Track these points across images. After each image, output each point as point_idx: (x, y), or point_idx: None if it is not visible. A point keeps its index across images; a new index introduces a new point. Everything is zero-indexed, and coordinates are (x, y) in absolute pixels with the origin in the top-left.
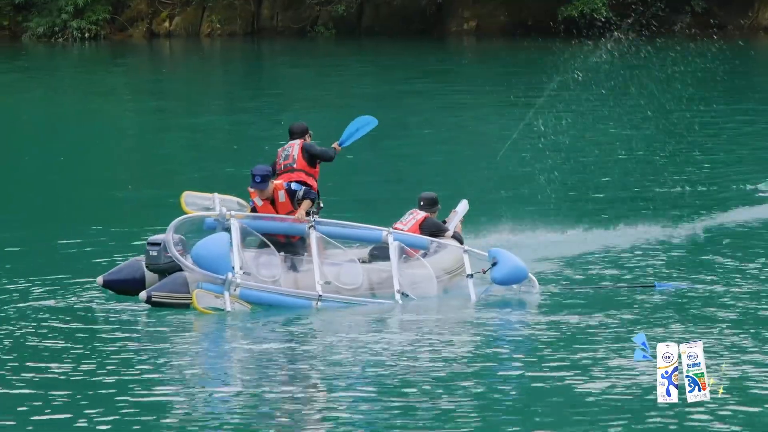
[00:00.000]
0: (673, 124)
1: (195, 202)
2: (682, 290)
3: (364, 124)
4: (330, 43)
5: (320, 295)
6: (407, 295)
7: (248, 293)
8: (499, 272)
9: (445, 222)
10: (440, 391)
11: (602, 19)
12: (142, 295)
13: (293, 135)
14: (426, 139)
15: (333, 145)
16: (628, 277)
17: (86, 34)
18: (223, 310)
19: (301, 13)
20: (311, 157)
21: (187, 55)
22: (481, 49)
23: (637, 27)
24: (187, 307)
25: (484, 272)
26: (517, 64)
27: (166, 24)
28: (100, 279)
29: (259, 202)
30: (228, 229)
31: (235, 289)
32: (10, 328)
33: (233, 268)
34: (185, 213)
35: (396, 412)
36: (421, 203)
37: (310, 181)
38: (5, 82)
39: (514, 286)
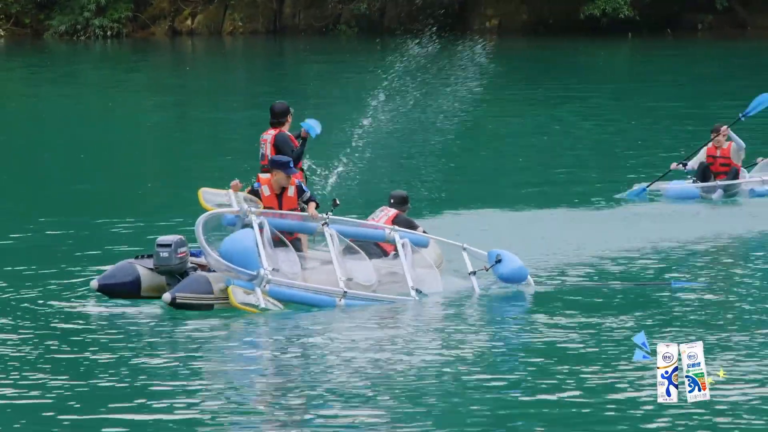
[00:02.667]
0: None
1: (212, 199)
2: (698, 288)
3: (311, 127)
4: (352, 41)
5: (345, 292)
6: (421, 292)
7: (276, 290)
8: (506, 268)
9: None
10: (446, 389)
11: (624, 17)
12: (167, 297)
13: (274, 116)
14: (445, 137)
15: (302, 132)
16: (642, 274)
17: (108, 32)
18: (257, 306)
19: (323, 12)
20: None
21: (209, 53)
22: (504, 46)
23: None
24: (210, 308)
25: (487, 269)
26: (538, 60)
27: (188, 22)
28: (94, 283)
29: (266, 192)
30: (248, 226)
31: (264, 286)
32: (15, 323)
33: (261, 264)
34: (204, 209)
35: (401, 413)
36: (392, 201)
37: (298, 176)
38: (28, 79)
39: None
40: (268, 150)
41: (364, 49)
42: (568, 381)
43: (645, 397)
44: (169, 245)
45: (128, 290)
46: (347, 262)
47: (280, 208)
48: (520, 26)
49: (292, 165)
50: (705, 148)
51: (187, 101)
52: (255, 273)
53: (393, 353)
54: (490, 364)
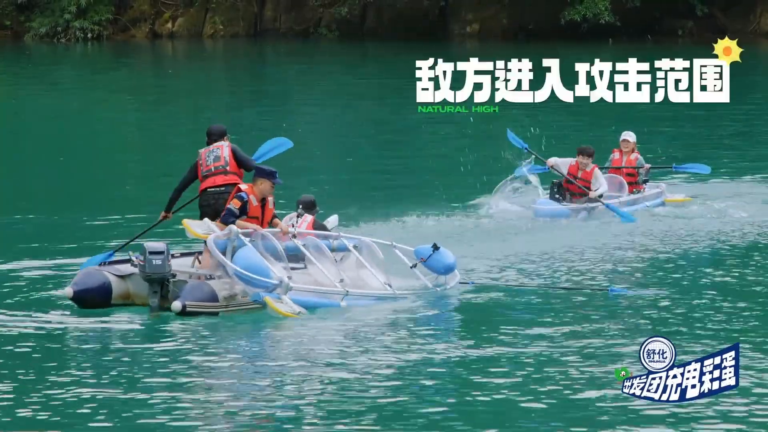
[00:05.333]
0: None
1: (196, 229)
2: (635, 296)
3: (278, 145)
4: (333, 45)
5: (347, 292)
6: (391, 286)
7: (292, 297)
8: (446, 259)
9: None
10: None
11: (604, 22)
12: (176, 305)
13: (212, 137)
14: (425, 142)
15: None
16: (580, 279)
17: (89, 35)
18: (296, 312)
19: (304, 15)
20: (239, 161)
21: (190, 56)
22: (484, 51)
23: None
24: (216, 315)
25: (424, 261)
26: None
27: (169, 25)
28: (69, 290)
29: (254, 201)
30: (237, 248)
31: (286, 293)
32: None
33: (276, 275)
34: (196, 236)
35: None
36: (300, 206)
37: (240, 182)
38: (7, 81)
39: (441, 278)
40: (226, 153)
41: (344, 52)
42: (504, 384)
43: (582, 398)
44: (161, 252)
45: (100, 298)
46: (328, 267)
47: (263, 218)
48: (500, 31)
49: (277, 176)
50: (568, 162)
51: (168, 103)
52: (278, 282)
53: (371, 361)
54: (434, 370)
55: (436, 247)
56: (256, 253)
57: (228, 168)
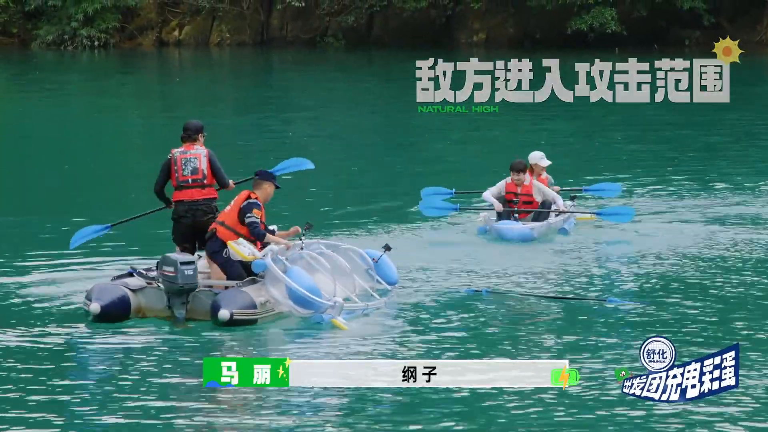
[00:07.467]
0: None
1: (241, 249)
2: (634, 300)
3: (299, 164)
4: (339, 53)
5: (367, 305)
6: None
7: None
8: (390, 265)
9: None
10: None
11: (611, 32)
12: (224, 314)
13: (187, 131)
14: (424, 152)
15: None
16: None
17: (95, 42)
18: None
19: (310, 24)
20: (216, 175)
21: (197, 64)
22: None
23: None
24: (255, 323)
25: (376, 261)
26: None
27: (176, 33)
28: (96, 306)
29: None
30: (282, 268)
31: (340, 313)
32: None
33: (329, 296)
34: (245, 259)
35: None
36: None
37: (215, 194)
38: (15, 89)
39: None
40: (203, 164)
41: (350, 61)
42: (505, 385)
43: (582, 398)
44: (192, 262)
45: (122, 313)
46: (340, 278)
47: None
48: (506, 40)
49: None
50: (504, 182)
51: (174, 110)
52: (333, 303)
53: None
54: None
55: (387, 248)
56: (305, 273)
57: (206, 182)
